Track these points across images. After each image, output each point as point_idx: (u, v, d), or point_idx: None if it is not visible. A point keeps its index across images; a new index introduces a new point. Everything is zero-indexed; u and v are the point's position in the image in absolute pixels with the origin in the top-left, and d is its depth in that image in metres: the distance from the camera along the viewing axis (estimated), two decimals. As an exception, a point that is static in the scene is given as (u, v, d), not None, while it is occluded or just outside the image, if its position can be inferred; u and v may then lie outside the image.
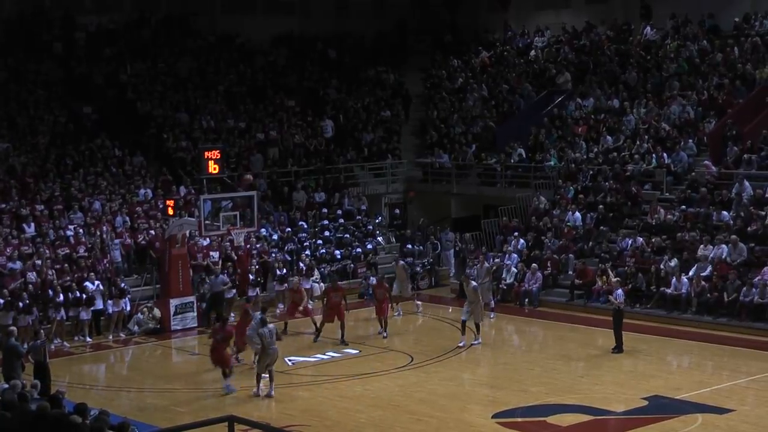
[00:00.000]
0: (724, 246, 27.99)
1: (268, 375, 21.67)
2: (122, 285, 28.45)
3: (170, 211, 30.08)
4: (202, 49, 38.99)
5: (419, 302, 30.10)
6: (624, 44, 38.25)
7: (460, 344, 25.35)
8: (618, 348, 24.55)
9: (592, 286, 29.28)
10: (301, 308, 27.32)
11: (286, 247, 32.13)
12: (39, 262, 27.93)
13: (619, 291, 25.07)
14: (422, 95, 41.65)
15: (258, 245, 31.38)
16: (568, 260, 30.71)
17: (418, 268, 33.18)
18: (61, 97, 35.16)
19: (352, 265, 32.87)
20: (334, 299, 26.68)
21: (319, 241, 33.12)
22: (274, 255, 31.20)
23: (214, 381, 22.71)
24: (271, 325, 21.99)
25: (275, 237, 32.48)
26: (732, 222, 28.93)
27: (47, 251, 28.40)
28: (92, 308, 27.45)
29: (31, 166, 31.86)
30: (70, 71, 36.19)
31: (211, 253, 30.35)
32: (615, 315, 24.82)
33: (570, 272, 30.41)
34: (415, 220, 36.37)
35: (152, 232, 30.50)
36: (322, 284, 29.52)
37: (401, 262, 30.33)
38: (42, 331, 25.24)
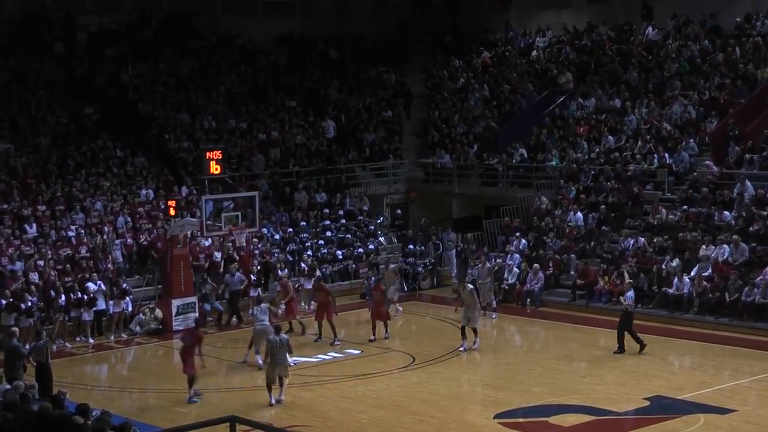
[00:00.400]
0: (725, 246, 27.99)
1: (278, 381, 21.43)
2: (124, 285, 28.44)
3: (172, 212, 30.11)
4: (204, 50, 38.98)
5: (400, 308, 29.89)
6: (625, 44, 38.24)
7: (461, 348, 25.30)
8: (620, 348, 24.53)
9: (594, 286, 29.29)
10: (283, 302, 27.32)
11: (287, 248, 32.14)
12: (41, 263, 27.93)
13: (630, 293, 25.08)
14: (423, 95, 41.65)
15: (260, 245, 31.38)
16: (570, 260, 30.70)
17: (420, 269, 33.19)
18: (62, 97, 35.16)
19: (353, 266, 32.87)
20: (318, 299, 27.01)
21: (321, 242, 33.12)
22: (276, 255, 31.19)
23: (215, 382, 22.73)
24: (284, 335, 21.86)
25: (277, 237, 32.48)
26: (734, 222, 28.93)
27: (49, 252, 28.39)
28: (94, 309, 27.48)
29: (32, 166, 31.86)
30: (71, 72, 36.19)
31: (215, 253, 30.33)
32: (624, 316, 24.78)
33: (572, 272, 30.41)
34: (416, 220, 36.37)
35: (154, 232, 30.48)
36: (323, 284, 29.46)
37: (391, 266, 30.28)
38: (44, 332, 25.28)
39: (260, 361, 23.65)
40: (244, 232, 29.56)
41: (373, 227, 34.79)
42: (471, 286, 26.17)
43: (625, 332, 24.55)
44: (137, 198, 31.85)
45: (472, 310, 25.36)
